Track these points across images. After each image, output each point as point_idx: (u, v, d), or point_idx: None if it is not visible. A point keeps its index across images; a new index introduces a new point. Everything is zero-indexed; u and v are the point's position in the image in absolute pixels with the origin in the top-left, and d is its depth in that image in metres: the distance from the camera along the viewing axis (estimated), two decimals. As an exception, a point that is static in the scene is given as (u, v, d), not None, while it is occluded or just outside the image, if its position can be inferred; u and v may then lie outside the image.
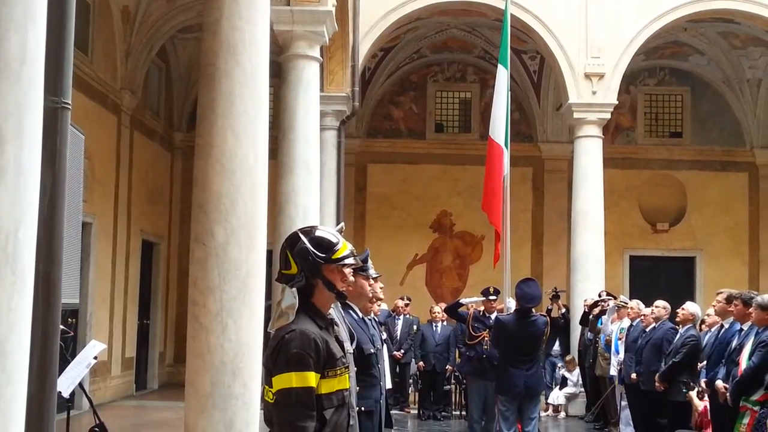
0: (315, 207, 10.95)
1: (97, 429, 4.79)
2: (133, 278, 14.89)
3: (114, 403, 13.49)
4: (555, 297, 14.39)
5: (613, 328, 11.69)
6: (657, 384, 9.48)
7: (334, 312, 3.75)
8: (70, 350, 9.38)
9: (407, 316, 14.35)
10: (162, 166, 16.78)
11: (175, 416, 8.44)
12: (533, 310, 8.89)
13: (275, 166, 9.75)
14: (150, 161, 15.81)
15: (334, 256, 3.38)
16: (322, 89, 12.09)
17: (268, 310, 6.16)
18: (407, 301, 14.57)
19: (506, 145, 10.09)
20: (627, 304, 11.54)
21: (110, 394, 13.68)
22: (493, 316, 9.91)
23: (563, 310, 14.70)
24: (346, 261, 3.42)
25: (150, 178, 15.80)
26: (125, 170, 14.36)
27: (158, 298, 16.53)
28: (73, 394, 5.16)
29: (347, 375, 3.39)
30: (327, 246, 3.39)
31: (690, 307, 9.61)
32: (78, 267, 3.93)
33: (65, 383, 4.75)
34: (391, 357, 12.88)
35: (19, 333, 2.18)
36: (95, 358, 5.07)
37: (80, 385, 5.09)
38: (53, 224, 3.31)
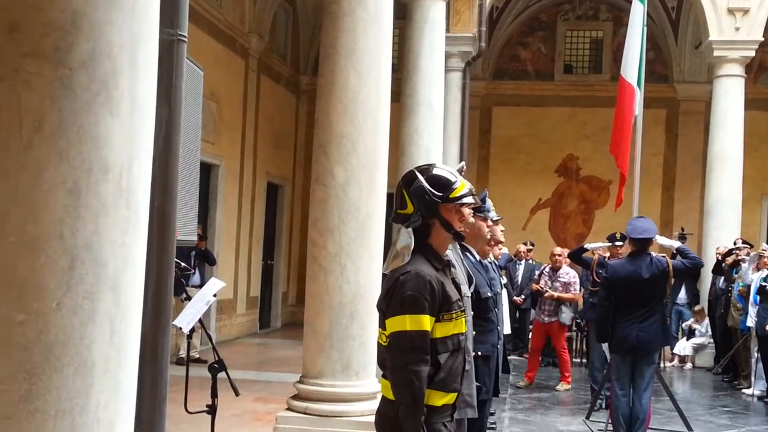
0: (437, 149, 10.82)
1: (216, 365, 4.86)
2: (258, 219, 15.18)
3: (238, 340, 13.90)
4: (682, 238, 13.75)
5: (753, 277, 11.12)
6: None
7: (452, 254, 3.62)
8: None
9: (529, 261, 14.09)
10: (288, 110, 16.93)
11: (296, 354, 8.59)
12: (650, 252, 7.82)
13: (398, 108, 9.63)
14: (276, 105, 15.97)
15: (451, 195, 3.23)
16: (447, 30, 11.83)
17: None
18: (530, 247, 14.31)
19: (639, 85, 9.58)
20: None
21: (235, 332, 14.09)
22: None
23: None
24: (465, 200, 3.27)
25: (276, 121, 15.97)
26: (252, 113, 14.55)
27: (282, 240, 16.84)
28: (193, 329, 5.26)
29: (463, 319, 3.26)
30: (444, 184, 3.24)
31: None
32: (195, 205, 3.93)
33: (185, 319, 4.84)
34: (511, 302, 12.71)
35: (132, 268, 2.14)
36: (215, 295, 5.13)
37: (200, 321, 5.18)
38: (168, 159, 3.30)
